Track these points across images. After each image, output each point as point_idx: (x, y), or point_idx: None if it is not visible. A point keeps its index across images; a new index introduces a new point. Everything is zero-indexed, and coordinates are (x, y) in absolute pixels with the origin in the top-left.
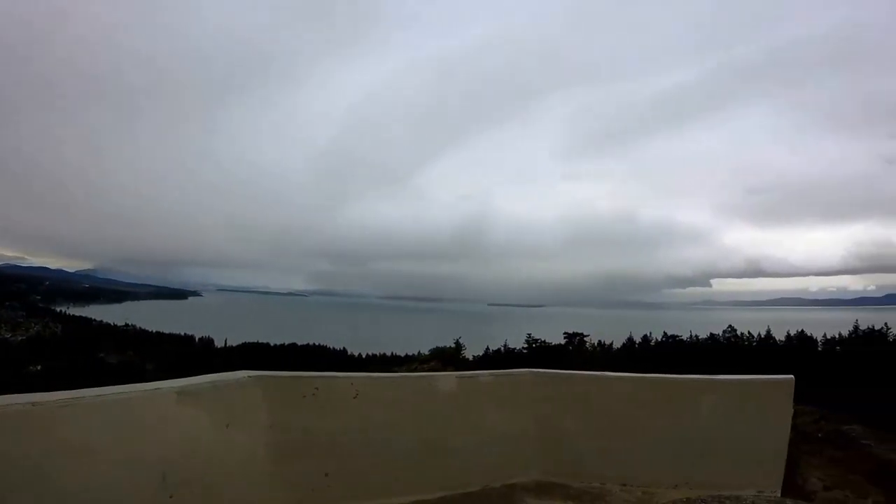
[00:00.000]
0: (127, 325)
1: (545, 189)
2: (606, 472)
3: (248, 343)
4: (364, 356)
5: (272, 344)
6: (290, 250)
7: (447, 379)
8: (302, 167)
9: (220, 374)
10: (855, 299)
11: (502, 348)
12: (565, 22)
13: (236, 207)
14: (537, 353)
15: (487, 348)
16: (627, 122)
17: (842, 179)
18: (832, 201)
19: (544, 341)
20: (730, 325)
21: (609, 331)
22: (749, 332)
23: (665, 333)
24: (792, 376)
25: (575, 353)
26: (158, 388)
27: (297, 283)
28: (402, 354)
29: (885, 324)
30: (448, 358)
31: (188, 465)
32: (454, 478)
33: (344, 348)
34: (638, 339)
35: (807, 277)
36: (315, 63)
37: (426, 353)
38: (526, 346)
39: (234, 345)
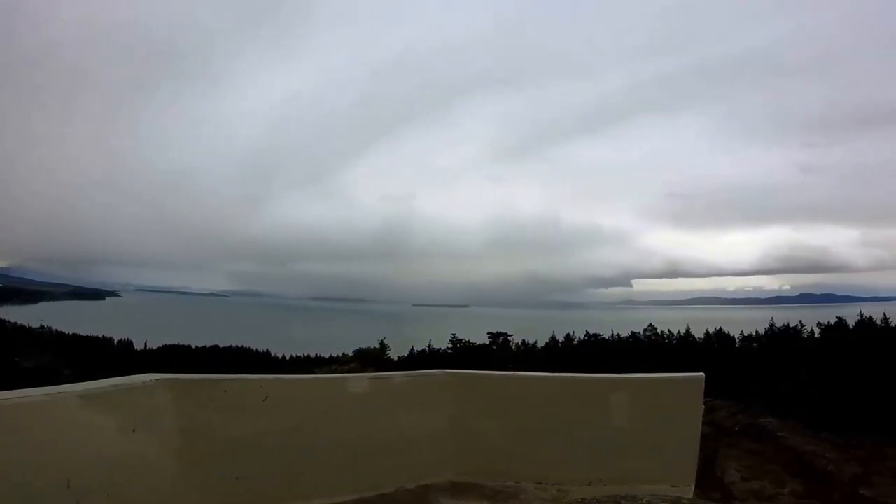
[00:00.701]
0: (42, 326)
1: (470, 190)
2: (521, 470)
3: (169, 345)
4: (288, 358)
5: (194, 346)
6: (212, 250)
7: (359, 380)
8: (225, 165)
9: (126, 377)
10: (770, 298)
11: (427, 349)
12: (494, 25)
13: (156, 205)
14: (462, 354)
15: (412, 349)
16: (553, 125)
17: (759, 186)
18: (750, 206)
19: (469, 341)
20: (650, 324)
21: (533, 330)
22: (669, 331)
23: (587, 332)
24: (702, 374)
25: (499, 352)
26: (60, 393)
27: (219, 284)
28: (327, 356)
29: (800, 321)
30: (372, 359)
31: (94, 472)
32: (368, 480)
33: (267, 350)
34: (561, 339)
35: (724, 278)
36: (240, 59)
37: (350, 354)
38: (450, 346)
39: (154, 347)
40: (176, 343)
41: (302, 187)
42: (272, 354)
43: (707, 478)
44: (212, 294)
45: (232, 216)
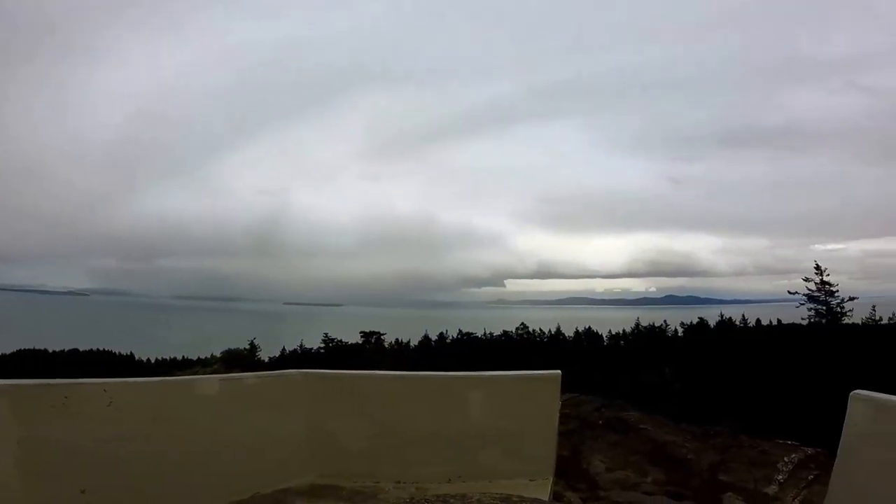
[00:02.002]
0: None
1: (346, 187)
2: (381, 470)
3: (25, 350)
4: (154, 361)
5: (51, 350)
6: (71, 244)
7: (209, 382)
8: (88, 151)
9: None
10: (638, 299)
11: (298, 349)
12: (378, 23)
13: (6, 195)
14: (334, 353)
15: (283, 349)
16: (433, 126)
17: (630, 194)
18: (621, 212)
19: (341, 341)
20: (522, 323)
21: (406, 329)
22: (541, 330)
23: (460, 331)
24: (559, 371)
25: (372, 352)
26: None
27: (79, 281)
28: (195, 357)
29: (665, 321)
30: (241, 360)
31: None
32: (222, 486)
33: (132, 353)
34: (434, 338)
35: (594, 279)
36: (107, 41)
37: (219, 355)
38: (323, 345)
39: (6, 352)
40: (31, 347)
41: (170, 178)
42: (137, 357)
43: (573, 470)
44: (70, 293)
45: (94, 208)
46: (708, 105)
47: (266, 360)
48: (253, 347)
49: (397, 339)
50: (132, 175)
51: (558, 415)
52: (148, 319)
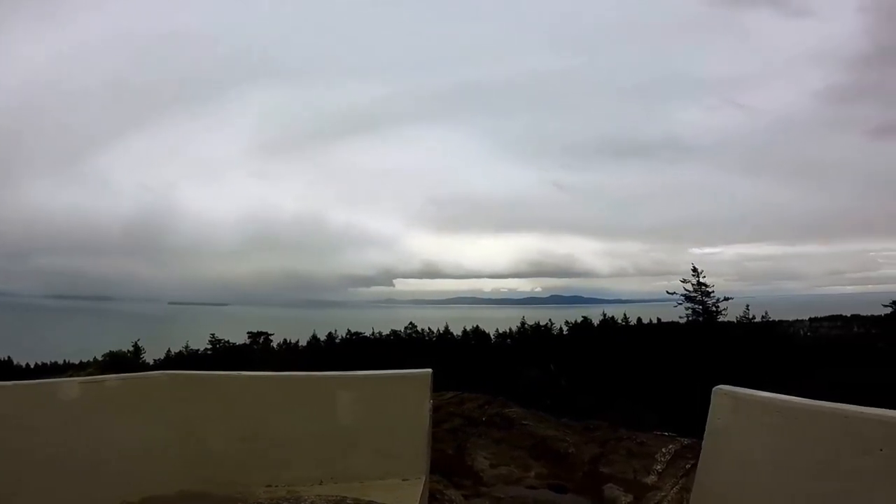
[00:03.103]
0: None
1: (233, 184)
2: (251, 474)
3: None
4: (33, 366)
5: None
6: None
7: (69, 386)
8: None
9: None
10: (524, 299)
11: (185, 350)
12: (270, 19)
13: None
14: (222, 355)
15: (169, 351)
16: (322, 125)
17: (517, 198)
18: (508, 215)
19: (228, 342)
20: (411, 322)
21: (295, 330)
22: (429, 329)
23: (349, 331)
24: (429, 370)
25: (261, 353)
26: None
27: None
28: (77, 361)
29: (550, 320)
30: (125, 363)
31: None
32: (85, 496)
33: (9, 357)
34: (323, 337)
35: (482, 279)
36: None
37: (101, 358)
38: (210, 347)
39: None
40: None
41: (47, 172)
42: (15, 363)
43: (458, 467)
44: None
45: None
46: (593, 116)
47: (151, 362)
48: (137, 349)
49: (286, 340)
50: (5, 169)
51: (430, 413)
52: (23, 321)
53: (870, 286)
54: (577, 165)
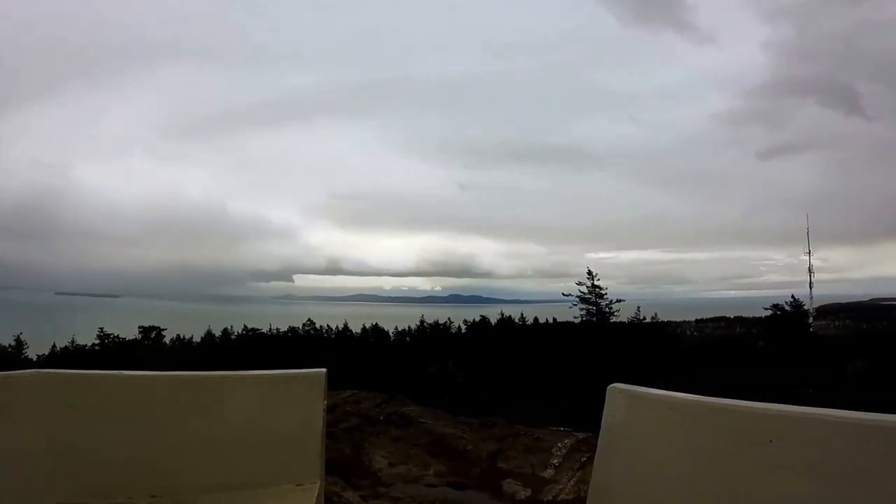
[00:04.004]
0: None
1: (134, 167)
2: (135, 484)
3: None
4: None
5: None
6: None
7: None
8: None
9: None
10: (424, 297)
11: (71, 345)
12: None
13: None
14: (111, 350)
15: (55, 345)
16: (233, 111)
17: (422, 197)
18: (410, 214)
19: (118, 336)
20: (309, 319)
21: (189, 325)
22: (328, 325)
23: (245, 327)
24: (324, 369)
25: (152, 349)
26: None
27: None
28: None
29: (449, 318)
30: (5, 358)
31: None
32: None
33: None
34: (218, 333)
35: (383, 277)
36: None
37: None
38: (98, 342)
39: None
40: None
41: None
42: None
43: (356, 467)
44: None
45: None
46: (502, 121)
47: (35, 358)
48: (20, 344)
49: (179, 336)
50: None
51: (325, 414)
52: None
53: (752, 291)
54: (483, 167)
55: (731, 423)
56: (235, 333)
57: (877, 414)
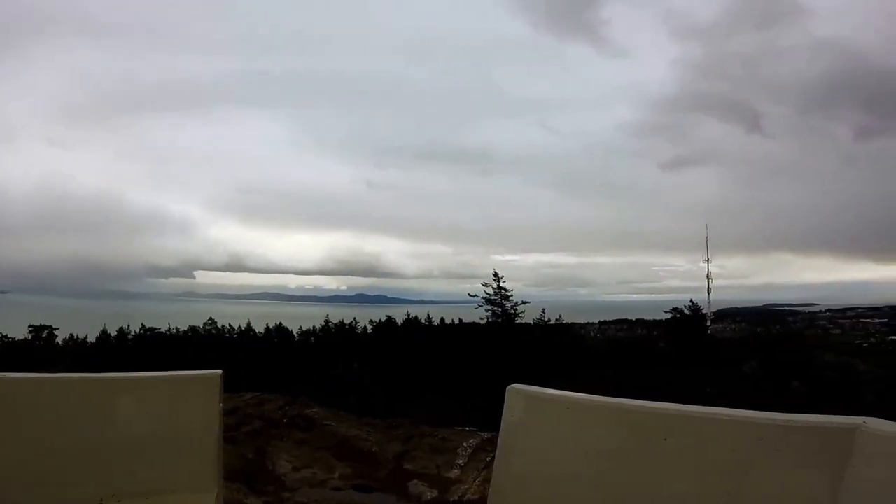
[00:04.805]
0: None
1: (25, 151)
2: (20, 497)
3: None
4: None
5: None
6: None
7: None
8: None
9: None
10: (329, 297)
11: None
12: None
13: None
14: None
15: None
16: (135, 95)
17: (330, 194)
18: (317, 210)
19: (6, 336)
20: (210, 318)
21: (84, 323)
22: (230, 325)
23: (143, 326)
24: (220, 371)
25: (43, 350)
26: None
27: None
28: None
29: (355, 319)
30: None
31: None
32: None
33: None
34: (114, 333)
35: (287, 275)
36: None
37: None
38: None
39: None
40: None
41: None
42: None
43: (259, 472)
44: None
45: None
46: (412, 120)
47: None
48: None
49: (73, 335)
50: None
51: (221, 418)
52: None
53: (653, 295)
54: (391, 166)
55: (628, 422)
56: (133, 333)
57: (767, 413)
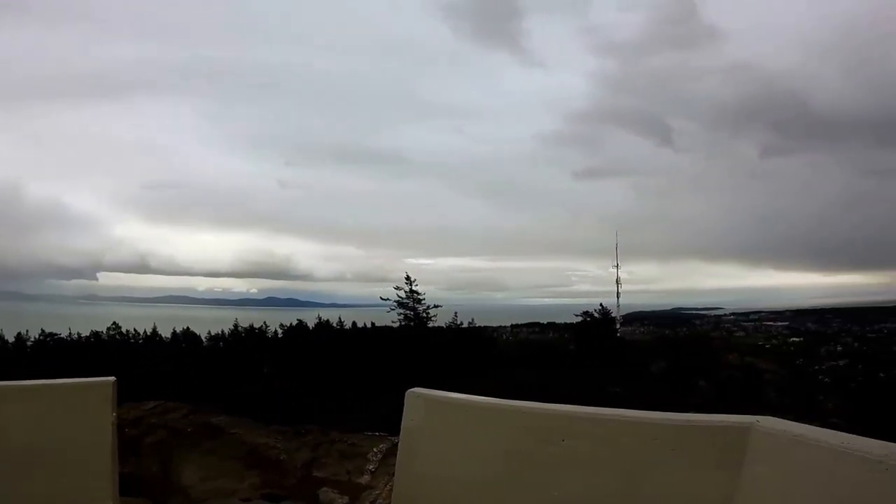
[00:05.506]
0: None
1: None
2: None
3: None
4: None
5: None
6: None
7: None
8: None
9: None
10: (239, 300)
11: None
12: None
13: None
14: None
15: None
16: (30, 79)
17: (240, 192)
18: (227, 210)
19: None
20: (114, 322)
21: None
22: (135, 330)
23: (43, 331)
24: (113, 378)
25: None
26: None
27: None
28: None
29: (265, 322)
30: None
31: None
32: None
33: None
34: (11, 338)
35: (195, 277)
36: None
37: None
38: None
39: None
40: None
41: None
42: None
43: (164, 485)
44: None
45: None
46: (327, 120)
47: None
48: None
49: None
50: None
51: (115, 428)
52: None
53: (565, 299)
54: (304, 166)
55: (526, 424)
56: (32, 338)
57: (663, 413)
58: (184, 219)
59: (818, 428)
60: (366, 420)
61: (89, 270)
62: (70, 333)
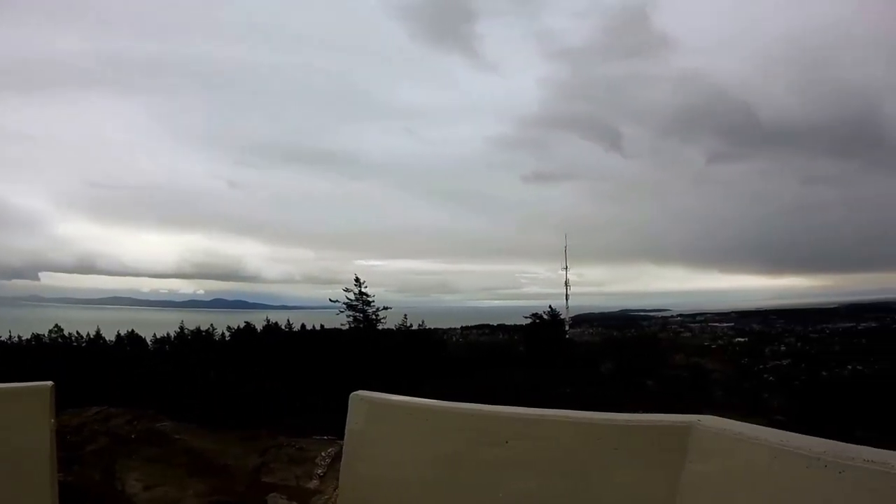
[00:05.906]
0: None
1: None
2: None
3: None
4: None
5: None
6: None
7: None
8: None
9: None
10: (185, 302)
11: None
12: None
13: None
14: None
15: None
16: None
17: (187, 192)
18: (173, 209)
19: None
20: (57, 325)
21: None
22: (78, 333)
23: None
24: (50, 383)
25: None
26: None
27: None
28: None
29: (212, 325)
30: None
31: None
32: None
33: None
34: None
35: (140, 278)
36: None
37: None
38: None
39: None
40: None
41: None
42: None
43: (108, 494)
44: None
45: None
46: (278, 119)
47: None
48: None
49: None
50: None
51: (53, 435)
52: None
53: (514, 301)
54: (253, 165)
55: (470, 427)
56: None
57: (605, 413)
58: (129, 218)
59: (758, 426)
60: (314, 424)
61: (31, 271)
62: (10, 336)
